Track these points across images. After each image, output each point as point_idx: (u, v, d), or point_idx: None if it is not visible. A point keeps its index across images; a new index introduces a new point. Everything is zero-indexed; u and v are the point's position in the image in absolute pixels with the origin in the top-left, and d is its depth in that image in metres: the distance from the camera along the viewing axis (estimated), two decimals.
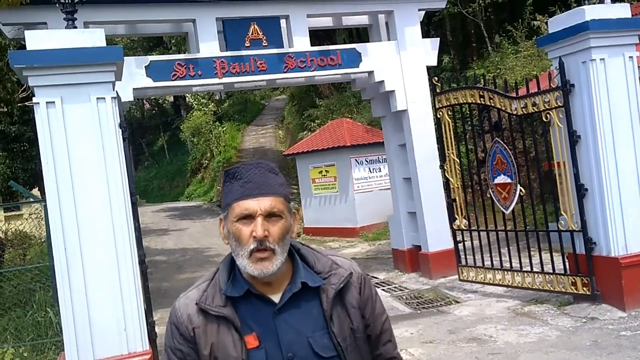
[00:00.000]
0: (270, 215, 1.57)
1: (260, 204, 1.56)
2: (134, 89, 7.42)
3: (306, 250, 1.69)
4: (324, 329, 1.59)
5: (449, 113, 7.97)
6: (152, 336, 5.35)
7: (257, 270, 1.55)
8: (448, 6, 14.44)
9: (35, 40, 4.96)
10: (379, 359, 1.70)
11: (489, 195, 7.56)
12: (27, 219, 8.23)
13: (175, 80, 7.78)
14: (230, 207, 1.60)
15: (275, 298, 1.60)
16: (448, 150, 8.02)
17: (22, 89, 11.49)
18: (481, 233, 7.76)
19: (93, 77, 5.08)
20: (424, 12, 9.37)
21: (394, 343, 1.75)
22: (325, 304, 1.60)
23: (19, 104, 12.02)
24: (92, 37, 5.08)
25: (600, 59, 6.29)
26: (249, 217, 1.56)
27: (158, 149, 35.80)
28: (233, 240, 1.59)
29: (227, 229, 1.62)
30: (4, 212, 15.92)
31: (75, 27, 5.15)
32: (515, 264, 7.30)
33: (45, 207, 5.80)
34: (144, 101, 35.92)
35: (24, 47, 5.06)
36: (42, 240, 8.53)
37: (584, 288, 6.48)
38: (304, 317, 1.59)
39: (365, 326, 1.66)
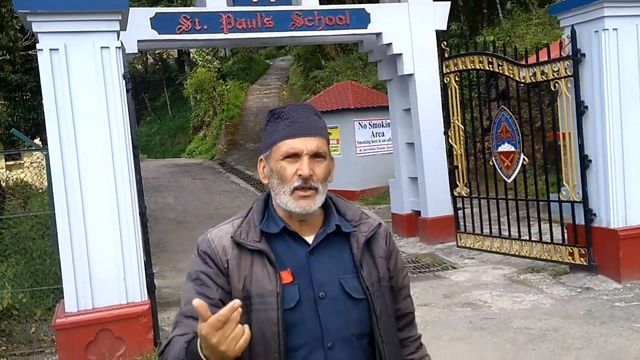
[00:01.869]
0: (315, 156, 1.60)
1: (306, 143, 1.59)
2: (138, 40, 7.32)
3: (337, 199, 1.74)
4: (353, 273, 1.63)
5: (456, 79, 7.88)
6: (151, 287, 5.41)
7: (299, 207, 1.58)
8: None
9: None
10: (398, 312, 1.74)
11: (491, 164, 7.54)
12: (28, 168, 8.23)
13: (180, 33, 7.67)
14: (275, 146, 1.62)
15: (308, 239, 1.64)
16: (453, 116, 7.97)
17: (26, 37, 11.35)
18: (481, 201, 7.77)
19: (98, 26, 5.02)
20: None
21: (412, 299, 1.81)
22: (356, 249, 1.64)
23: (21, 52, 11.88)
24: None
25: (613, 29, 6.19)
26: (294, 156, 1.59)
27: (160, 105, 35.60)
28: (275, 178, 1.61)
29: (269, 168, 1.64)
30: (5, 160, 15.93)
31: None
32: (514, 233, 7.33)
33: (47, 155, 5.79)
34: (148, 55, 35.58)
35: None
36: (43, 190, 8.54)
37: (581, 258, 6.52)
38: (335, 259, 1.63)
39: (389, 277, 1.71)
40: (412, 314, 1.80)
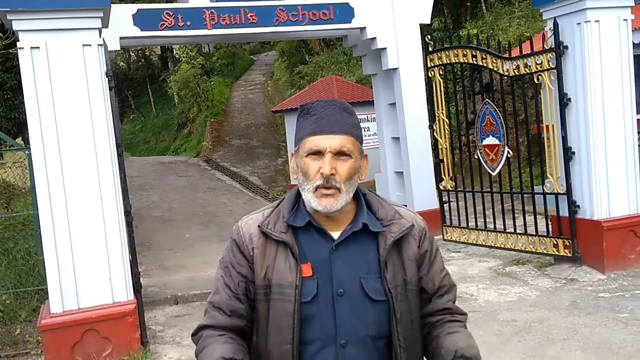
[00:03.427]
0: (339, 154, 1.58)
1: (330, 141, 1.57)
2: (120, 37, 7.25)
3: (372, 196, 1.71)
4: (377, 273, 1.61)
5: (441, 73, 7.90)
6: (137, 287, 5.37)
7: (321, 205, 1.58)
8: None
9: None
10: (430, 309, 1.70)
11: (476, 157, 7.57)
12: (10, 168, 8.12)
13: (163, 30, 7.61)
14: (301, 142, 1.62)
15: (335, 235, 1.63)
16: (438, 110, 7.99)
17: (6, 35, 11.19)
18: (467, 194, 7.81)
19: (79, 23, 4.97)
20: None
21: (450, 296, 1.73)
22: (382, 249, 1.61)
23: (1, 51, 11.72)
24: None
25: (595, 21, 6.24)
26: (318, 154, 1.58)
27: (144, 102, 35.31)
28: (301, 174, 1.62)
29: (297, 163, 1.65)
30: None
31: None
32: (499, 226, 7.38)
33: (29, 155, 5.72)
34: (130, 52, 35.25)
35: None
36: (26, 190, 8.44)
37: (566, 250, 6.58)
38: (360, 258, 1.62)
39: (418, 279, 1.67)
40: (449, 309, 1.72)
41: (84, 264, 4.95)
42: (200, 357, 1.59)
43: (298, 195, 1.68)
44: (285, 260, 1.60)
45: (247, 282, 1.64)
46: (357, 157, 1.61)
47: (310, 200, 1.59)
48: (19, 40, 4.89)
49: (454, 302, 1.73)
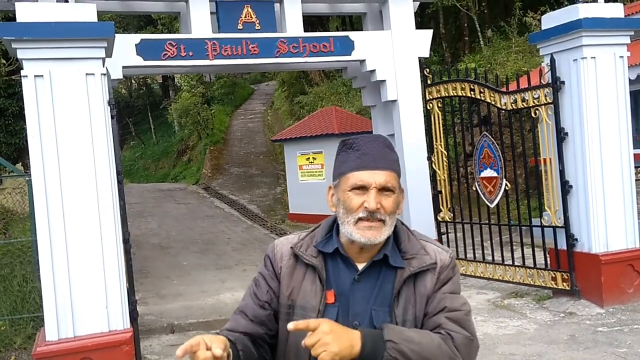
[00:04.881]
0: (383, 189, 1.61)
1: (375, 177, 1.60)
2: (123, 66, 7.34)
3: (401, 228, 1.72)
4: (388, 307, 1.62)
5: (439, 105, 7.99)
6: (133, 315, 5.34)
7: (365, 237, 1.59)
8: None
9: (26, 12, 4.88)
10: (425, 328, 1.63)
11: (474, 189, 7.61)
12: (10, 194, 8.14)
13: (165, 59, 7.70)
14: (344, 176, 1.64)
15: (360, 266, 1.66)
16: (436, 142, 8.05)
17: (9, 62, 11.32)
18: (465, 225, 7.82)
19: (83, 53, 5.03)
20: (418, 2, 9.35)
21: (449, 314, 1.62)
22: (397, 283, 1.63)
23: (4, 78, 11.84)
24: (84, 12, 5.02)
25: (592, 57, 6.34)
26: (362, 188, 1.61)
27: (144, 129, 35.50)
28: (342, 208, 1.64)
29: (337, 197, 1.66)
30: None
31: (67, 1, 5.08)
32: (497, 258, 7.37)
33: (29, 181, 5.74)
34: (132, 80, 35.56)
35: (11, 19, 4.98)
36: (24, 215, 8.44)
37: (564, 283, 6.56)
38: (377, 290, 1.64)
39: (423, 316, 1.64)
40: (441, 326, 1.60)
41: (81, 291, 4.93)
42: None
43: (333, 223, 1.72)
44: (312, 284, 1.65)
45: (274, 294, 1.69)
46: (398, 192, 1.64)
47: (352, 233, 1.60)
48: (22, 69, 4.95)
49: (453, 321, 1.61)
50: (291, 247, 1.71)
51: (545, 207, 6.81)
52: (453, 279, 1.69)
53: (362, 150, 1.63)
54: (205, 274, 9.88)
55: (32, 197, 5.05)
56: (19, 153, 18.29)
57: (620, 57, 6.49)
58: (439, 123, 7.99)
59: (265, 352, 1.70)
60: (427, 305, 1.64)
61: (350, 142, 1.66)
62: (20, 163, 18.02)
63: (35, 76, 4.90)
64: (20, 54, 4.91)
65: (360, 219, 1.59)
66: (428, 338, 1.54)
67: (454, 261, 1.72)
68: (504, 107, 7.06)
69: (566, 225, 6.54)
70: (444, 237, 8.05)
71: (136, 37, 7.66)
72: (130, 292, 5.41)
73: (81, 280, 4.93)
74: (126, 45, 7.35)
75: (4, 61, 10.46)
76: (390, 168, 1.63)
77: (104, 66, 5.19)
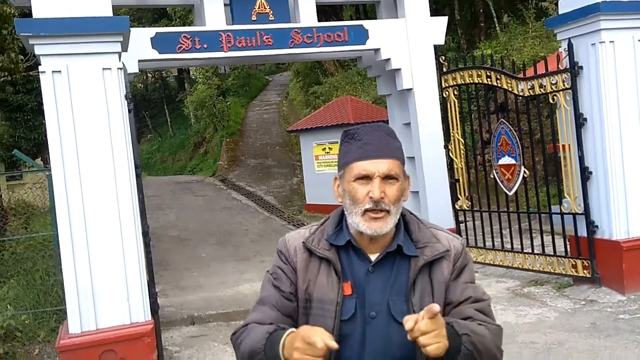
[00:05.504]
0: (387, 178, 1.61)
1: (378, 166, 1.61)
2: (139, 60, 7.36)
3: (410, 218, 1.73)
4: (405, 296, 1.63)
5: (455, 93, 7.93)
6: (154, 307, 5.40)
7: (371, 229, 1.60)
8: None
9: (42, 8, 4.92)
10: (455, 317, 1.64)
11: (492, 176, 7.55)
12: (30, 189, 8.25)
13: (180, 52, 7.71)
14: (348, 167, 1.65)
15: (373, 257, 1.66)
16: (453, 130, 8.00)
17: (27, 58, 11.43)
18: (483, 214, 7.78)
19: (100, 47, 5.06)
20: None
21: (477, 305, 1.66)
22: (412, 272, 1.63)
23: (22, 73, 11.96)
24: (99, 7, 5.05)
25: (610, 41, 6.24)
26: (366, 178, 1.61)
27: (161, 122, 35.71)
28: (348, 198, 1.65)
29: (343, 188, 1.67)
30: (7, 180, 15.94)
31: None
32: (517, 246, 7.32)
33: (49, 176, 5.81)
34: (148, 73, 35.73)
35: (28, 15, 5.03)
36: (45, 210, 8.56)
37: (584, 271, 6.51)
38: (392, 280, 1.64)
39: (445, 304, 1.65)
40: (471, 318, 1.62)
41: (103, 284, 4.99)
42: (242, 344, 1.60)
43: (342, 215, 1.72)
44: (327, 277, 1.64)
45: (295, 287, 1.69)
46: (402, 180, 1.65)
47: (359, 223, 1.61)
48: (40, 64, 5.00)
49: (481, 312, 1.65)
50: (303, 242, 1.71)
51: (565, 194, 6.74)
52: (468, 265, 1.72)
53: (364, 140, 1.63)
54: (224, 266, 9.95)
55: (53, 192, 5.11)
56: (38, 148, 18.48)
57: (639, 40, 6.38)
58: (455, 111, 7.94)
59: None
60: (447, 294, 1.65)
61: (353, 132, 1.67)
62: (40, 158, 18.24)
63: (53, 72, 4.95)
64: (37, 50, 4.95)
65: (366, 210, 1.60)
66: (483, 330, 1.58)
67: (465, 248, 1.74)
68: (521, 94, 6.99)
69: (586, 212, 6.47)
70: (462, 225, 8.01)
71: (151, 31, 7.67)
72: (151, 284, 5.47)
73: (102, 273, 4.99)
74: (141, 39, 7.37)
75: (22, 57, 10.55)
76: (393, 156, 1.63)
77: (120, 60, 5.22)
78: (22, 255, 7.75)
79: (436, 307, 1.39)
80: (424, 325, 1.39)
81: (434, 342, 1.39)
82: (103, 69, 5.07)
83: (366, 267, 1.64)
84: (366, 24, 8.68)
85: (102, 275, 4.99)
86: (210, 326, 6.84)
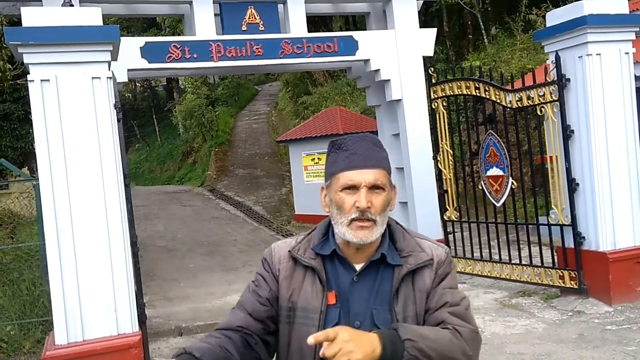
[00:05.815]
0: (373, 187, 1.63)
1: (364, 175, 1.62)
2: (128, 69, 7.35)
3: (396, 227, 1.74)
4: (388, 305, 1.63)
5: (444, 104, 7.98)
6: (142, 318, 5.35)
7: (357, 238, 1.61)
8: None
9: (31, 17, 4.91)
10: (428, 324, 1.64)
11: (480, 187, 7.59)
12: (17, 198, 8.17)
13: (170, 62, 7.71)
14: (335, 177, 1.66)
15: (358, 266, 1.67)
16: (441, 141, 8.04)
17: (14, 66, 11.37)
18: (471, 225, 7.81)
19: (89, 56, 5.05)
20: (422, 1, 9.33)
21: (451, 309, 1.64)
22: (395, 281, 1.64)
23: (10, 82, 11.89)
24: (89, 16, 5.04)
25: (597, 54, 6.32)
26: (353, 188, 1.62)
27: (149, 132, 35.59)
28: (335, 208, 1.66)
29: (330, 198, 1.68)
30: None
31: (72, 5, 5.11)
32: (505, 257, 7.35)
33: (36, 186, 5.76)
34: (136, 83, 35.65)
35: (17, 23, 5.00)
36: (32, 219, 8.48)
37: (572, 282, 6.54)
38: (376, 289, 1.65)
39: (425, 313, 1.65)
40: (444, 322, 1.62)
41: (90, 295, 4.95)
42: None
43: (329, 225, 1.73)
44: (312, 286, 1.65)
45: (274, 294, 1.70)
46: (388, 190, 1.67)
47: (345, 233, 1.62)
48: (29, 73, 4.97)
49: (455, 316, 1.63)
50: (289, 251, 1.73)
51: (552, 205, 6.79)
52: (451, 273, 1.72)
53: (351, 150, 1.65)
54: (211, 276, 9.90)
55: (40, 201, 5.07)
56: (25, 157, 18.33)
57: (626, 53, 6.47)
58: (444, 122, 7.98)
59: (260, 349, 1.69)
60: (427, 301, 1.66)
61: (339, 143, 1.68)
62: (27, 167, 18.08)
63: (41, 80, 4.92)
64: (26, 59, 4.93)
65: (353, 220, 1.61)
66: (440, 334, 1.56)
67: (450, 256, 1.75)
68: (509, 105, 7.05)
69: (573, 223, 6.52)
70: (451, 236, 8.04)
71: (141, 40, 7.67)
72: (139, 295, 5.43)
73: (90, 284, 4.95)
74: (131, 48, 7.36)
75: (10, 65, 10.49)
76: (379, 166, 1.65)
77: (109, 69, 5.21)
78: (7, 265, 7.66)
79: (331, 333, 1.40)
80: (328, 350, 1.39)
81: (344, 359, 1.39)
82: (92, 78, 5.05)
83: (351, 276, 1.65)
84: (356, 34, 8.74)
85: (90, 286, 4.95)
86: (198, 337, 6.78)
